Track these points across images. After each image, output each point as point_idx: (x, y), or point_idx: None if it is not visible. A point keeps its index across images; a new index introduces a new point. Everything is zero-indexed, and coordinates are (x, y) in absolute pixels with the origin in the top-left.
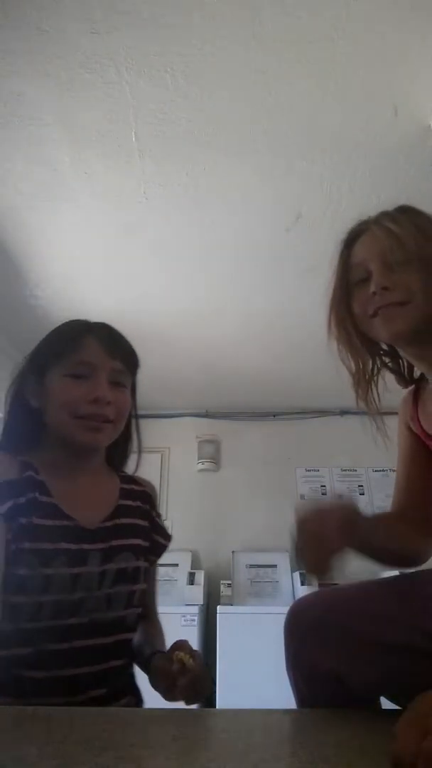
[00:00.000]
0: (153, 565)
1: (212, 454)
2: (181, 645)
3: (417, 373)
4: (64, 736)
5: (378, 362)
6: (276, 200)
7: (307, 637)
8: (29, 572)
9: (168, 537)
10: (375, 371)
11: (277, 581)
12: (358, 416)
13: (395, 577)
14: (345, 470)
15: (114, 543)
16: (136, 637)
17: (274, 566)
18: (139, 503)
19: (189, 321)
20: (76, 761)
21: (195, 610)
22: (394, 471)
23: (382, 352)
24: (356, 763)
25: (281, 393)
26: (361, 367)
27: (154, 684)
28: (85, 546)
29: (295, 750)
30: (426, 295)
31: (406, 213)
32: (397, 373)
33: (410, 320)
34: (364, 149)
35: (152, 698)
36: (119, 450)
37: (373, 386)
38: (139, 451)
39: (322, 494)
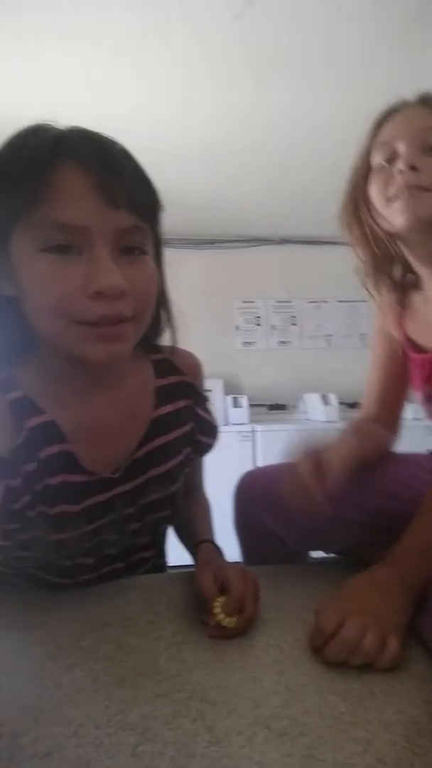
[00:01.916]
0: (195, 461)
1: None
2: (227, 581)
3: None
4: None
5: (392, 251)
6: None
7: (257, 503)
8: (40, 534)
9: (214, 434)
10: (386, 263)
11: (211, 404)
12: (298, 245)
13: None
14: (280, 302)
15: (146, 476)
16: (181, 513)
17: (209, 391)
18: (181, 402)
19: (121, 130)
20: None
21: None
22: (326, 302)
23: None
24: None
25: (221, 219)
26: (372, 257)
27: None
28: (110, 493)
29: None
30: None
31: None
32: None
33: None
34: None
35: None
36: (149, 328)
37: (383, 277)
38: (173, 326)
39: (257, 325)
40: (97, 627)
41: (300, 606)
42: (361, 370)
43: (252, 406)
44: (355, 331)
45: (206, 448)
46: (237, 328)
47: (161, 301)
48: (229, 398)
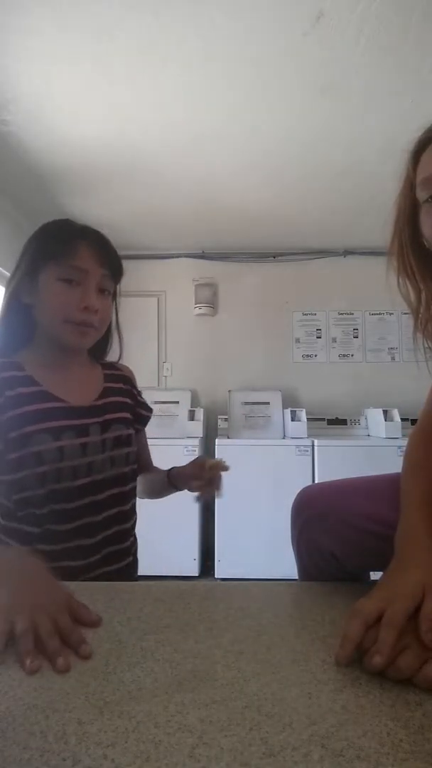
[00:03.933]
0: (140, 432)
1: (209, 298)
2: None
3: None
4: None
5: None
6: None
7: (312, 523)
8: (45, 447)
9: (150, 409)
10: None
11: (270, 416)
12: (362, 256)
13: (394, 477)
14: (341, 314)
15: (107, 417)
16: (148, 477)
17: (267, 403)
18: (121, 384)
19: (182, 148)
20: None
21: (196, 441)
22: (390, 314)
23: None
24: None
25: (283, 232)
26: (422, 298)
27: (183, 482)
28: (86, 420)
29: (297, 631)
30: None
31: None
32: None
33: None
34: None
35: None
36: (100, 345)
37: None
38: (121, 345)
39: (317, 338)
40: (158, 629)
41: None
42: (426, 386)
43: (310, 420)
44: (419, 344)
45: (145, 418)
46: (297, 340)
47: (112, 328)
48: (288, 411)
